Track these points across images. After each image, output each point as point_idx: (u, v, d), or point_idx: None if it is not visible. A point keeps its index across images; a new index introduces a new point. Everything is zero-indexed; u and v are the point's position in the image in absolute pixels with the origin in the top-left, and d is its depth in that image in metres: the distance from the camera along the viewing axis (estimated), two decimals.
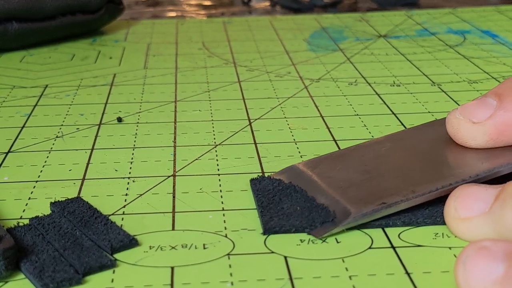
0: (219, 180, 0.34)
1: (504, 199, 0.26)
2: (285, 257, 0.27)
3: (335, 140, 0.38)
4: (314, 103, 0.45)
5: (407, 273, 0.26)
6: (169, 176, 0.34)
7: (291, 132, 0.40)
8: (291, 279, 0.26)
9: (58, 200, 0.31)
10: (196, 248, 0.28)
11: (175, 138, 0.39)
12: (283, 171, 0.33)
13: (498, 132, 0.31)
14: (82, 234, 0.28)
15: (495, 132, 0.31)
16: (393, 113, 0.42)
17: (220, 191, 0.33)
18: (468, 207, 0.28)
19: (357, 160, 0.32)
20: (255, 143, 0.38)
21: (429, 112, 0.42)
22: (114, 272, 0.26)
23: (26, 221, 0.30)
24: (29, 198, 0.32)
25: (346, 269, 0.26)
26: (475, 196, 0.28)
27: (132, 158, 0.37)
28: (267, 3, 0.79)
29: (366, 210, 0.29)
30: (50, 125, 0.42)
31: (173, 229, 0.29)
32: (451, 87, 0.47)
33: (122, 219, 0.30)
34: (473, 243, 0.24)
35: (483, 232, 0.27)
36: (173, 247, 0.28)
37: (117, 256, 0.27)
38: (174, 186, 0.33)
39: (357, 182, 0.31)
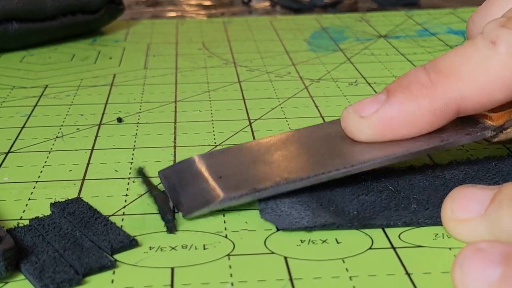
0: None
1: (500, 201, 0.26)
2: (285, 258, 0.27)
3: None
4: (314, 103, 0.44)
5: (407, 273, 0.26)
6: None
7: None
8: (291, 279, 0.26)
9: (58, 201, 0.31)
10: (196, 248, 0.28)
11: (175, 139, 0.39)
12: (178, 163, 0.33)
13: (382, 126, 0.31)
14: (82, 235, 0.28)
15: (380, 126, 0.31)
16: None
17: None
18: (464, 208, 0.28)
19: (252, 152, 0.33)
20: None
21: None
22: (114, 272, 0.26)
23: (26, 222, 0.30)
24: (29, 199, 0.32)
25: (347, 269, 0.26)
26: (471, 198, 0.28)
27: (132, 159, 0.37)
28: (267, 3, 0.79)
29: (235, 194, 0.30)
30: (50, 126, 0.42)
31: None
32: None
33: (122, 219, 0.30)
34: (470, 245, 0.24)
35: (479, 233, 0.27)
36: (173, 248, 0.28)
37: (117, 256, 0.27)
38: None
39: (239, 172, 0.32)
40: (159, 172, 0.33)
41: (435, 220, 0.29)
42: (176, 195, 0.31)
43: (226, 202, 0.30)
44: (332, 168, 0.30)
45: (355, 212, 0.30)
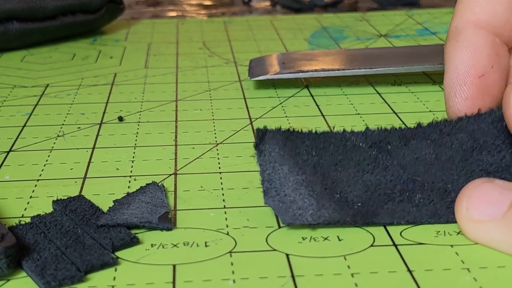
0: (221, 178, 0.34)
1: None
2: (287, 255, 0.27)
3: None
4: (315, 102, 0.45)
5: (409, 270, 0.26)
6: (170, 175, 0.34)
7: None
8: (293, 276, 0.26)
9: (60, 198, 0.31)
10: (197, 246, 0.28)
11: (176, 137, 0.39)
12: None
13: None
14: (84, 232, 0.28)
15: None
16: (394, 112, 0.42)
17: (222, 189, 0.33)
18: (480, 209, 0.27)
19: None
20: None
21: (430, 111, 0.42)
22: (116, 270, 0.26)
23: (28, 220, 0.30)
24: (31, 197, 0.32)
25: (348, 266, 0.26)
26: (488, 199, 0.27)
27: (133, 157, 0.37)
28: (268, 3, 0.79)
29: (286, 71, 0.45)
30: (51, 124, 0.42)
31: (174, 227, 0.29)
32: None
33: None
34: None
35: (495, 237, 0.27)
36: (174, 245, 0.28)
37: (119, 254, 0.27)
38: (175, 185, 0.33)
39: (297, 65, 0.45)
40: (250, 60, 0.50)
41: (438, 219, 0.29)
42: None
43: (280, 74, 0.45)
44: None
45: (359, 204, 0.29)
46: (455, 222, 0.28)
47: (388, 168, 0.31)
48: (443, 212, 0.29)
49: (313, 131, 0.31)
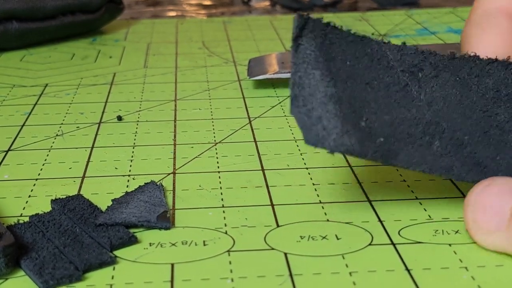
0: (219, 177, 0.34)
1: None
2: (285, 254, 0.27)
3: None
4: None
5: (407, 269, 0.26)
6: (169, 174, 0.34)
7: (291, 130, 0.40)
8: (291, 275, 0.26)
9: (59, 198, 0.31)
10: (196, 244, 0.28)
11: (175, 136, 0.39)
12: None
13: None
14: (82, 231, 0.28)
15: None
16: None
17: (220, 188, 0.33)
18: (485, 220, 0.27)
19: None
20: (255, 141, 0.38)
21: None
22: (114, 269, 0.26)
23: (26, 219, 0.30)
24: (29, 196, 0.32)
25: (346, 265, 0.26)
26: (491, 208, 0.26)
27: (132, 156, 0.37)
28: (267, 3, 0.79)
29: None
30: (50, 124, 0.42)
31: (173, 226, 0.29)
32: None
33: None
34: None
35: (504, 246, 0.26)
36: (173, 244, 0.28)
37: (117, 253, 0.27)
38: (174, 184, 0.33)
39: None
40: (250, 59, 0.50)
41: (452, 174, 0.28)
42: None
43: (279, 74, 0.46)
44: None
45: (382, 139, 0.28)
46: (466, 180, 0.28)
47: (414, 101, 0.29)
48: (457, 167, 0.28)
49: (352, 32, 0.30)
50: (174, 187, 0.33)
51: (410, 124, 0.29)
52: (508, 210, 0.26)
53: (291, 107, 0.27)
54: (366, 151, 0.27)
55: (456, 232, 0.28)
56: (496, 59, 0.31)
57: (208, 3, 0.80)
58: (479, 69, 0.31)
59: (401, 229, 0.29)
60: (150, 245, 0.28)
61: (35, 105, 0.45)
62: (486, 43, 0.31)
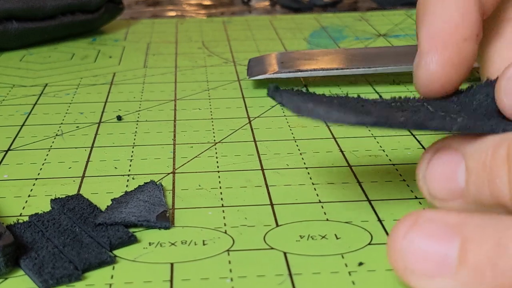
0: (219, 177, 0.34)
1: (477, 267, 0.22)
2: (285, 253, 0.27)
3: (334, 138, 0.38)
4: None
5: None
6: (168, 174, 0.34)
7: (290, 130, 0.40)
8: (290, 275, 0.26)
9: (59, 197, 0.31)
10: (195, 244, 0.28)
11: (174, 136, 0.39)
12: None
13: None
14: (82, 231, 0.28)
15: None
16: None
17: (220, 187, 0.33)
18: (424, 268, 0.23)
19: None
20: (255, 141, 0.38)
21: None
22: (113, 268, 0.26)
23: (26, 218, 0.30)
24: (29, 196, 0.32)
25: (346, 265, 0.26)
26: (426, 255, 0.23)
27: (131, 156, 0.37)
28: (267, 3, 0.79)
29: (284, 70, 0.44)
30: (49, 124, 0.42)
31: (172, 225, 0.29)
32: None
33: None
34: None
35: None
36: (172, 244, 0.28)
37: (116, 252, 0.27)
38: (173, 183, 0.33)
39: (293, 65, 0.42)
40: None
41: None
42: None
43: (279, 73, 0.46)
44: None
45: (403, 118, 0.25)
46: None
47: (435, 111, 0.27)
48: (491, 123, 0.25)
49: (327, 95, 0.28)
50: (173, 187, 0.33)
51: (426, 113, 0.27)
52: (454, 257, 0.22)
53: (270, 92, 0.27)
54: (388, 120, 0.25)
55: None
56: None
57: (208, 3, 0.80)
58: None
59: None
60: (150, 245, 0.28)
61: (34, 105, 0.45)
62: (444, 13, 0.28)
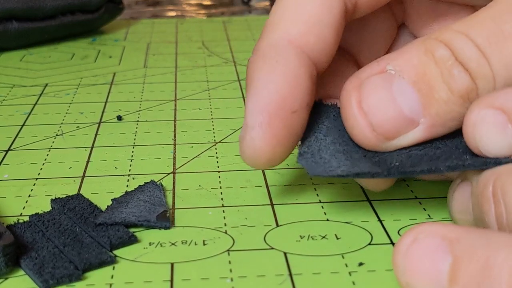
0: (219, 177, 0.34)
1: (464, 287, 0.22)
2: (285, 253, 0.27)
3: None
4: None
5: None
6: (168, 174, 0.34)
7: None
8: (290, 275, 0.26)
9: (59, 197, 0.31)
10: (196, 244, 0.28)
11: (175, 136, 0.39)
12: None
13: None
14: (82, 231, 0.28)
15: None
16: None
17: (220, 187, 0.33)
18: (421, 285, 0.23)
19: None
20: None
21: None
22: (114, 268, 0.26)
23: (26, 218, 0.30)
24: (29, 196, 0.32)
25: (346, 265, 0.26)
26: (423, 273, 0.23)
27: (132, 156, 0.37)
28: (267, 3, 0.79)
29: None
30: (50, 124, 0.42)
31: (173, 225, 0.29)
32: None
33: None
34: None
35: None
36: (173, 244, 0.28)
37: (117, 252, 0.27)
38: (174, 183, 0.33)
39: None
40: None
41: (483, 164, 0.26)
42: None
43: None
44: None
45: (397, 163, 0.27)
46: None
47: (439, 148, 0.28)
48: (489, 160, 0.26)
49: None
50: (174, 187, 0.33)
51: (431, 155, 0.27)
52: (445, 276, 0.22)
53: (298, 158, 0.27)
54: (378, 170, 0.26)
55: None
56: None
57: (208, 3, 0.80)
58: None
59: (400, 229, 0.29)
60: (150, 245, 0.28)
61: (35, 105, 0.45)
62: (272, 85, 0.27)
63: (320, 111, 0.30)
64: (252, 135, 0.27)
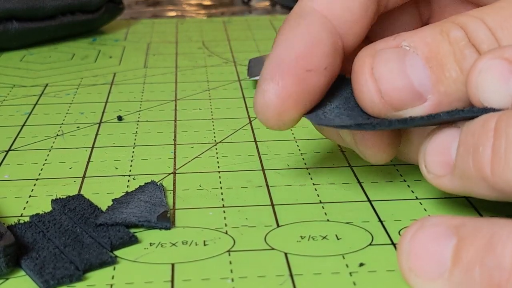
0: (219, 177, 0.34)
1: (467, 266, 0.22)
2: (285, 254, 0.27)
3: None
4: None
5: None
6: (169, 174, 0.34)
7: (291, 130, 0.40)
8: (291, 275, 0.26)
9: (59, 198, 0.31)
10: (196, 244, 0.28)
11: (175, 136, 0.39)
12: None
13: None
14: (83, 231, 0.28)
15: None
16: None
17: (221, 188, 0.33)
18: (424, 269, 0.23)
19: None
20: (255, 141, 0.38)
21: None
22: (114, 269, 0.26)
23: (27, 219, 0.30)
24: (30, 196, 0.32)
25: (347, 265, 0.26)
26: (427, 257, 0.23)
27: (132, 156, 0.37)
28: (267, 3, 0.79)
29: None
30: (50, 124, 0.42)
31: (173, 225, 0.29)
32: None
33: None
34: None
35: None
36: (173, 244, 0.28)
37: (117, 253, 0.27)
38: (174, 184, 0.33)
39: None
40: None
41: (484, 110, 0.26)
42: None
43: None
44: None
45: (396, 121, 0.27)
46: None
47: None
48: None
49: None
50: (174, 187, 0.33)
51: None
52: (449, 257, 0.23)
53: (304, 115, 0.28)
54: (379, 121, 0.27)
55: None
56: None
57: (208, 3, 0.80)
58: None
59: (401, 229, 0.29)
60: (151, 245, 0.28)
61: (35, 105, 0.45)
62: (288, 43, 0.28)
63: (333, 83, 0.30)
64: (264, 87, 0.28)
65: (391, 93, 0.27)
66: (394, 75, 0.27)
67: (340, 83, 0.30)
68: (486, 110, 0.25)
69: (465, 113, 0.26)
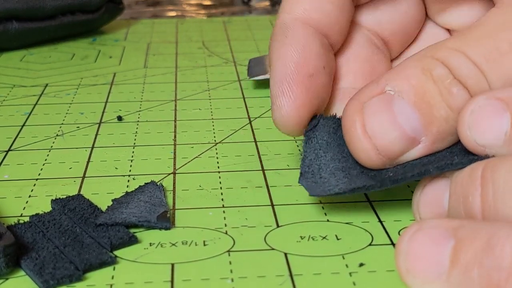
0: (219, 177, 0.34)
1: (466, 267, 0.22)
2: (285, 254, 0.27)
3: None
4: None
5: None
6: (169, 174, 0.34)
7: None
8: (291, 275, 0.26)
9: (59, 198, 0.31)
10: (196, 244, 0.28)
11: (175, 136, 0.39)
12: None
13: None
14: (83, 231, 0.28)
15: None
16: None
17: (220, 188, 0.33)
18: (422, 270, 0.23)
19: None
20: (255, 141, 0.38)
21: None
22: (114, 269, 0.26)
23: (27, 219, 0.30)
24: (30, 196, 0.32)
25: (346, 265, 0.26)
26: (425, 258, 0.23)
27: (132, 156, 0.37)
28: (267, 3, 0.79)
29: None
30: (50, 124, 0.42)
31: (173, 226, 0.29)
32: None
33: None
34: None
35: None
36: (173, 244, 0.28)
37: (117, 253, 0.27)
38: (174, 184, 0.33)
39: None
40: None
41: (472, 161, 0.26)
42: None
43: None
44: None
45: (391, 174, 0.28)
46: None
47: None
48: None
49: None
50: (174, 187, 0.33)
51: (423, 164, 0.28)
52: (447, 258, 0.23)
53: (300, 178, 0.29)
54: (371, 183, 0.28)
55: None
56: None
57: (208, 3, 0.80)
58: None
59: (401, 229, 0.29)
60: (150, 245, 0.28)
61: (35, 105, 0.45)
62: (285, 58, 0.30)
63: (320, 125, 0.31)
64: (277, 103, 0.30)
65: (387, 146, 0.27)
66: (386, 128, 0.27)
67: (323, 124, 0.31)
68: (473, 159, 0.26)
69: (454, 166, 0.26)
